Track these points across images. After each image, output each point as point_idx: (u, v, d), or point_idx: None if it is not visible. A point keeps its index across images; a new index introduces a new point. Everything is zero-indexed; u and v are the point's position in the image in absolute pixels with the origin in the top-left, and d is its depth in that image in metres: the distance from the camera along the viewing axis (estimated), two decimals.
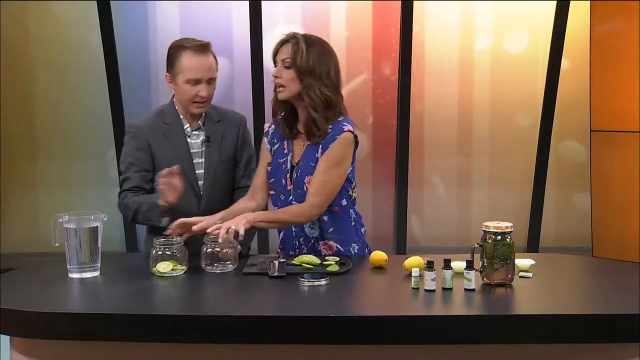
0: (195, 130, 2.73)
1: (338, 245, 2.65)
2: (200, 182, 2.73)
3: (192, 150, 2.72)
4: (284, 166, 2.65)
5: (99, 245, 2.40)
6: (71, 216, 2.38)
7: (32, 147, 4.50)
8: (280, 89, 2.58)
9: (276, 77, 2.58)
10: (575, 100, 4.40)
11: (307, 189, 2.58)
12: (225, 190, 2.76)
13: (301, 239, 2.66)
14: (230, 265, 2.44)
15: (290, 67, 2.55)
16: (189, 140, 2.72)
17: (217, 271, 2.41)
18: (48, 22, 4.38)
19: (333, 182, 2.57)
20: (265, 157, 2.72)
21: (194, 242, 2.48)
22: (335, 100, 2.59)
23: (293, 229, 2.65)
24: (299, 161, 2.62)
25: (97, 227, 2.39)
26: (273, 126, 2.73)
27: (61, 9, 4.37)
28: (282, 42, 2.59)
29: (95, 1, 4.14)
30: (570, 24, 4.24)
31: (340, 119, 2.60)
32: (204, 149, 2.73)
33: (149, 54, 4.37)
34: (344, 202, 2.66)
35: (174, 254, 2.41)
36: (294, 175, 2.62)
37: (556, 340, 1.99)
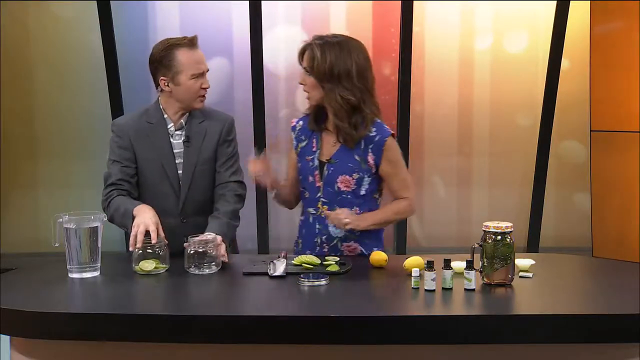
0: (178, 130, 2.70)
1: (362, 249, 2.66)
2: (181, 182, 2.70)
3: (174, 150, 2.70)
4: (311, 163, 2.67)
5: (99, 245, 2.40)
6: (71, 216, 2.38)
7: (32, 147, 4.51)
8: (308, 95, 2.63)
9: (301, 84, 2.63)
10: (575, 100, 4.40)
11: (338, 188, 2.62)
12: (206, 191, 2.72)
13: (324, 237, 2.67)
14: (215, 267, 2.43)
15: (311, 75, 2.58)
16: (171, 140, 2.70)
17: (201, 273, 2.40)
18: (48, 22, 4.38)
19: (408, 176, 2.72)
20: (292, 155, 2.76)
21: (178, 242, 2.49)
22: (360, 102, 2.56)
23: (317, 226, 2.67)
24: (330, 159, 2.64)
25: (97, 227, 2.39)
26: (301, 122, 2.75)
27: (61, 9, 4.37)
28: (303, 49, 2.60)
29: (95, 1, 4.14)
30: (570, 24, 4.25)
31: (377, 121, 2.63)
32: (183, 149, 2.70)
33: (149, 54, 4.36)
34: (372, 205, 2.69)
35: (157, 252, 2.42)
36: (325, 172, 2.64)
37: (556, 340, 1.99)
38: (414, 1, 4.20)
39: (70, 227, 2.37)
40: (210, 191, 2.73)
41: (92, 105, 4.44)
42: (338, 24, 4.37)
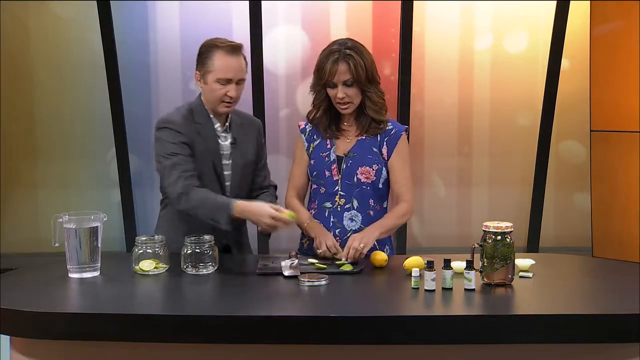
0: (223, 132, 2.74)
1: (375, 243, 2.67)
2: (227, 183, 2.73)
3: (221, 152, 2.72)
4: (326, 159, 2.72)
5: (99, 245, 2.40)
6: (71, 216, 2.39)
7: (32, 147, 4.50)
8: (347, 105, 2.65)
9: (342, 98, 2.62)
10: (575, 100, 4.40)
11: (358, 180, 2.67)
12: (247, 192, 2.79)
13: (337, 231, 2.69)
14: (211, 267, 2.43)
15: (353, 85, 2.61)
16: (219, 140, 2.73)
17: (197, 273, 2.41)
18: (48, 22, 4.38)
19: (410, 177, 2.77)
20: (303, 155, 2.78)
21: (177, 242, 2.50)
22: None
23: (331, 219, 2.69)
24: (348, 152, 2.69)
25: (97, 227, 2.40)
26: (309, 124, 2.79)
27: (61, 9, 4.37)
28: (335, 62, 2.60)
29: (95, 1, 4.14)
30: (570, 24, 4.24)
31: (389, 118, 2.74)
32: (231, 150, 2.74)
33: (149, 54, 4.37)
34: (385, 204, 2.75)
35: (157, 252, 2.42)
36: (343, 166, 2.69)
37: (556, 340, 1.99)
38: (414, 1, 4.19)
39: (70, 227, 2.37)
40: (249, 192, 2.79)
41: (92, 105, 4.43)
42: (338, 24, 4.37)
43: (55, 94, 4.45)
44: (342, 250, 2.54)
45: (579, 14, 4.24)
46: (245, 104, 4.24)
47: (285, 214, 2.46)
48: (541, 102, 4.37)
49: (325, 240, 2.57)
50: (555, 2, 4.22)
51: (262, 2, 4.17)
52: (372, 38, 4.37)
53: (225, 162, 2.73)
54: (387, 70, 4.38)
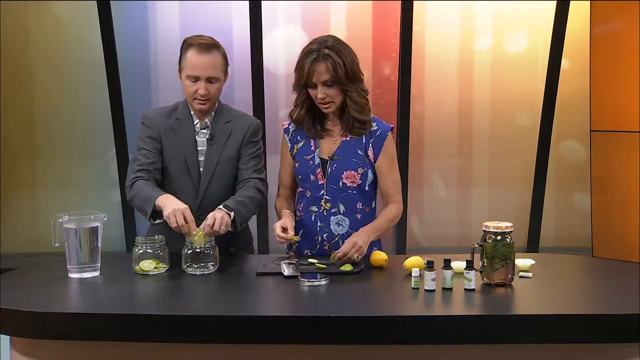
0: (203, 129, 2.74)
1: None
2: (201, 179, 2.73)
3: (198, 148, 2.73)
4: (311, 162, 2.68)
5: (99, 245, 2.40)
6: (71, 216, 2.38)
7: (32, 147, 4.51)
8: (328, 105, 2.61)
9: (322, 98, 2.58)
10: (575, 100, 4.40)
11: (344, 184, 2.63)
12: (226, 189, 2.75)
13: (325, 235, 2.67)
14: (212, 266, 2.43)
15: (333, 85, 2.56)
16: (196, 137, 2.74)
17: (198, 272, 2.41)
18: (48, 22, 4.38)
19: (399, 177, 2.72)
20: (288, 156, 2.75)
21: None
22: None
23: (318, 224, 2.67)
24: (333, 155, 2.65)
25: (97, 227, 2.40)
26: (293, 124, 2.75)
27: (61, 9, 4.37)
28: (313, 62, 2.55)
29: (95, 1, 4.14)
30: (570, 24, 4.25)
31: (373, 116, 2.70)
32: (207, 147, 2.73)
33: (149, 54, 4.37)
34: (373, 205, 2.72)
35: (157, 252, 2.42)
36: (328, 169, 2.65)
37: (556, 340, 1.99)
38: (414, 1, 4.20)
39: (70, 227, 2.37)
40: (230, 189, 2.76)
41: (92, 105, 4.44)
42: (338, 24, 4.37)
43: (55, 94, 4.45)
44: (291, 233, 2.54)
45: (579, 14, 4.24)
46: (245, 104, 4.27)
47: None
48: (541, 102, 4.38)
49: (275, 229, 2.56)
50: (555, 2, 4.23)
51: (262, 2, 4.17)
52: (372, 38, 4.38)
53: (200, 158, 2.73)
54: (387, 70, 4.39)
